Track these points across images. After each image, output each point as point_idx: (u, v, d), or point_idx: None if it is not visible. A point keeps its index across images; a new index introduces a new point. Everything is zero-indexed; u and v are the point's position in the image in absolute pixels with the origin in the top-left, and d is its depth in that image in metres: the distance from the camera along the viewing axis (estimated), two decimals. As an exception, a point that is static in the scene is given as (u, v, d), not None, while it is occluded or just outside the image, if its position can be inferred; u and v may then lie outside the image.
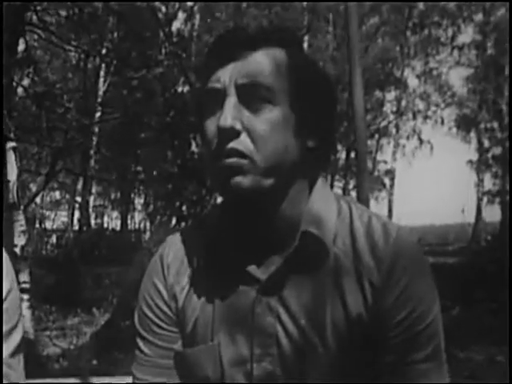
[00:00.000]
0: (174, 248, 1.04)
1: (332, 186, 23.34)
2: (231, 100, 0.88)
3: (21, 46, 7.27)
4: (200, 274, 0.99)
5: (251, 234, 0.95)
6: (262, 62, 0.90)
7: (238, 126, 0.87)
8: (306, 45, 18.11)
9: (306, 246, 0.91)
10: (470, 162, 26.20)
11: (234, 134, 0.87)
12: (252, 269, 0.94)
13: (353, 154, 19.79)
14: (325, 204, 0.96)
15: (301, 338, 0.90)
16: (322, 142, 0.95)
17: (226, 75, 0.90)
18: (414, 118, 26.42)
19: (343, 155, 22.57)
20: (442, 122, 26.80)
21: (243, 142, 0.87)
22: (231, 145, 0.87)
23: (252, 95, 0.88)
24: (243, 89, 0.89)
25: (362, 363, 0.91)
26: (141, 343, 1.02)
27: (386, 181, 26.83)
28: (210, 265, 0.98)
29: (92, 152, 15.12)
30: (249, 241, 0.95)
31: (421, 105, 26.70)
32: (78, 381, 3.35)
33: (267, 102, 0.88)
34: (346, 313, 0.90)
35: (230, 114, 0.87)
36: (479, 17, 24.44)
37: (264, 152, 0.87)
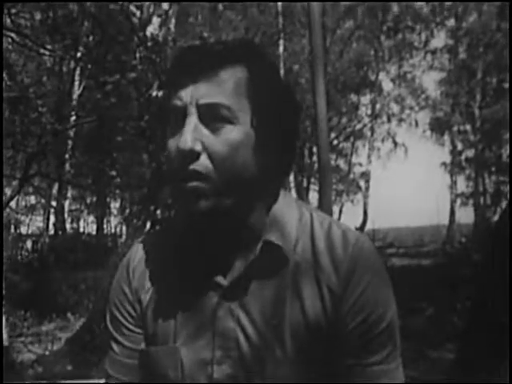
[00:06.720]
0: (140, 252, 1.07)
1: (308, 189, 23.44)
2: (192, 120, 0.89)
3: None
4: (164, 278, 1.02)
5: (215, 241, 0.98)
6: (224, 81, 0.90)
7: (198, 148, 0.88)
8: (281, 48, 18.18)
9: (267, 254, 0.94)
10: (444, 164, 26.57)
11: (193, 156, 0.88)
12: (215, 274, 0.96)
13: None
14: (286, 212, 0.99)
15: (260, 341, 0.93)
16: (283, 157, 0.97)
17: (188, 94, 0.90)
18: (389, 120, 26.69)
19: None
20: (417, 125, 27.15)
21: (203, 164, 0.89)
22: (191, 167, 0.88)
23: (212, 115, 0.89)
24: (204, 109, 0.89)
25: (321, 365, 0.93)
26: (112, 342, 1.05)
27: (362, 183, 27.04)
28: (174, 269, 1.01)
29: (67, 156, 14.96)
30: (213, 247, 0.98)
31: (395, 108, 26.99)
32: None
33: (227, 122, 0.89)
34: (305, 316, 0.93)
35: (189, 135, 0.88)
36: (451, 22, 24.84)
37: (223, 172, 0.88)
